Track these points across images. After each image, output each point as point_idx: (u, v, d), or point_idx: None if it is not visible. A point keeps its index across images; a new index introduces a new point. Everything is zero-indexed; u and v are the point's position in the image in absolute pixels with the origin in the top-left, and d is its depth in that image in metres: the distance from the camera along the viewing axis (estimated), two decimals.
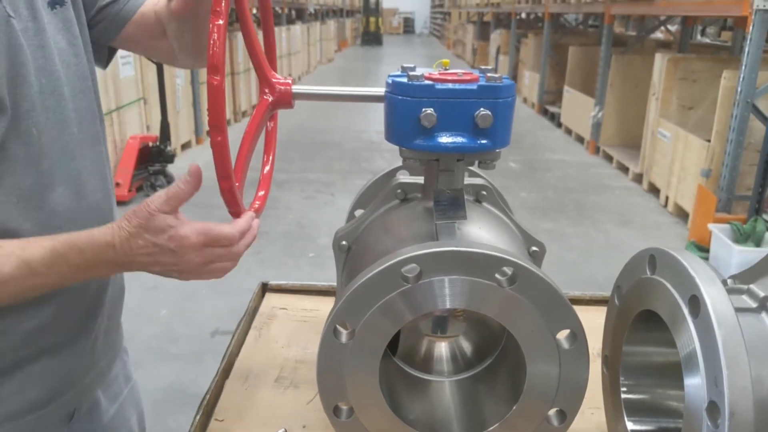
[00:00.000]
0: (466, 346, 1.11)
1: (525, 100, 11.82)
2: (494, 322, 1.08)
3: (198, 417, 1.04)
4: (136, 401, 1.34)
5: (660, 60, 6.35)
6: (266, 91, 1.10)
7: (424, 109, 0.94)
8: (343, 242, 1.15)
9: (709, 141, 5.35)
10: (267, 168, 1.23)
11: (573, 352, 0.89)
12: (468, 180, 1.14)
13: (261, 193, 1.20)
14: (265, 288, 1.54)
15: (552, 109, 10.30)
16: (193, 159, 7.37)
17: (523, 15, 13.92)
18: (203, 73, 8.32)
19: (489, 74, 0.97)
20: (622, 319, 0.97)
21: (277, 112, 1.28)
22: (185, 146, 7.72)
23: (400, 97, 0.96)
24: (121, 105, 6.13)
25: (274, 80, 1.09)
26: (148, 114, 6.80)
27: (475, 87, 0.95)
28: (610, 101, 7.81)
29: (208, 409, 1.09)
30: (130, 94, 6.35)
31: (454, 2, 25.79)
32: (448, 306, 0.87)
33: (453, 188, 1.05)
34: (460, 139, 0.96)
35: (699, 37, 11.61)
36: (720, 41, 10.81)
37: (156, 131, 6.49)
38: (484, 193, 1.13)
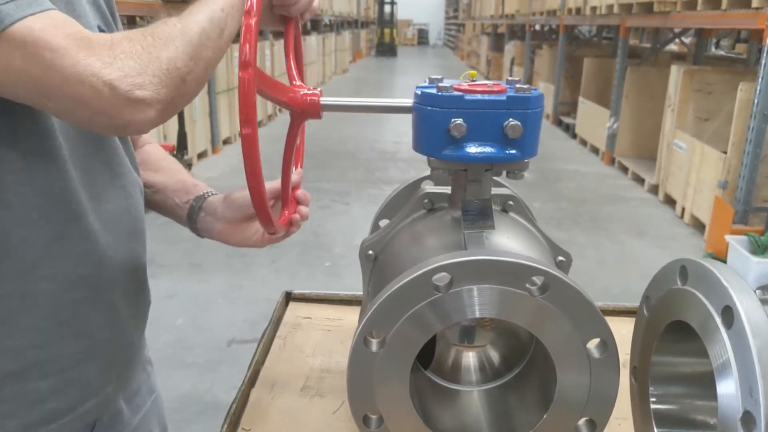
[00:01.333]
0: (494, 355, 1.11)
1: None
2: (521, 331, 1.08)
3: (225, 427, 1.05)
4: (159, 414, 1.34)
5: (676, 72, 6.34)
6: (295, 110, 1.11)
7: (453, 120, 0.95)
8: (370, 252, 1.16)
9: (725, 153, 5.32)
10: (292, 187, 1.24)
11: (604, 361, 0.89)
12: (495, 190, 1.15)
13: (286, 212, 1.21)
14: (288, 297, 1.55)
15: (567, 120, 10.29)
16: (209, 168, 7.43)
17: (538, 27, 13.95)
18: (219, 83, 8.41)
19: (518, 85, 0.98)
20: (651, 330, 0.97)
21: (304, 125, 1.29)
22: (201, 155, 7.78)
23: (429, 108, 0.97)
24: None
25: (302, 91, 1.10)
26: (165, 124, 6.87)
27: (504, 98, 0.96)
28: (626, 112, 7.80)
29: (234, 418, 1.09)
30: None
31: (468, 14, 25.89)
32: (478, 315, 0.87)
33: (481, 198, 1.05)
34: (489, 150, 0.97)
35: (713, 49, 11.58)
36: (734, 53, 10.78)
37: (173, 140, 6.55)
38: (511, 203, 1.14)
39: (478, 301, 0.86)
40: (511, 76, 10.83)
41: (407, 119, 1.05)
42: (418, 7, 38.00)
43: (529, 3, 12.93)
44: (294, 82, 1.14)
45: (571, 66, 10.49)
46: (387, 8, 28.67)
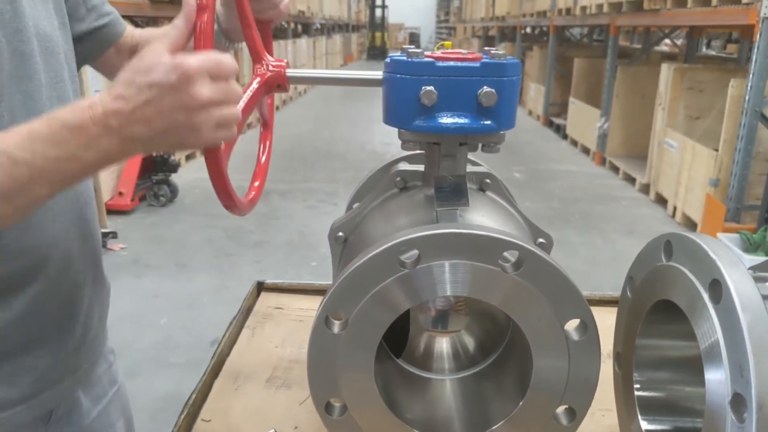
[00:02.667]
0: (469, 341, 1.05)
1: (530, 113, 11.79)
2: (498, 315, 1.01)
3: (183, 417, 0.98)
4: (123, 405, 1.28)
5: (666, 70, 6.30)
6: (259, 70, 1.05)
7: (423, 87, 0.88)
8: (340, 233, 1.10)
9: (716, 150, 5.28)
10: (263, 158, 1.18)
11: (583, 344, 0.82)
12: (471, 168, 1.09)
13: (256, 183, 1.15)
14: (260, 287, 1.48)
15: (557, 120, 10.25)
16: (197, 170, 7.34)
17: (528, 30, 13.93)
18: None
19: (493, 52, 0.92)
20: (635, 312, 0.91)
21: (273, 99, 1.23)
22: (190, 157, 7.69)
23: (399, 76, 0.91)
24: None
25: (268, 60, 1.04)
26: None
27: (478, 65, 0.90)
28: (616, 112, 7.76)
29: (194, 409, 1.03)
30: None
31: (459, 17, 25.88)
32: (448, 293, 0.81)
33: (455, 174, 0.99)
34: (462, 120, 0.90)
35: (704, 49, 11.58)
36: (725, 53, 10.78)
37: None
38: (488, 181, 1.08)
39: (449, 278, 0.80)
40: None
41: None
42: (410, 11, 37.98)
43: (519, 5, 12.91)
44: (263, 60, 1.07)
45: (561, 67, 10.45)
46: (378, 12, 28.63)
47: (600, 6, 7.97)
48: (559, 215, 6.01)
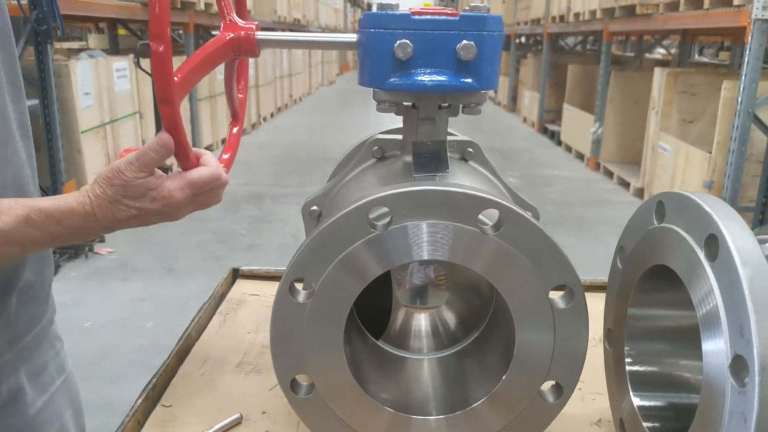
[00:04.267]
0: (449, 318, 0.98)
1: (525, 120, 11.77)
2: (480, 288, 0.95)
3: (140, 401, 0.91)
4: (72, 396, 1.20)
5: (659, 74, 6.27)
6: (226, 30, 0.98)
7: (398, 40, 0.82)
8: (314, 207, 1.03)
9: (710, 153, 5.25)
10: (235, 129, 1.11)
11: (569, 312, 0.76)
12: (452, 138, 1.02)
13: (226, 156, 1.08)
14: (236, 274, 1.42)
15: (552, 127, 10.23)
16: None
17: (523, 39, 13.95)
18: (201, 90, 8.27)
19: (472, 4, 0.86)
20: (627, 283, 0.84)
21: (246, 67, 1.17)
22: None
23: (373, 30, 0.85)
24: (116, 118, 6.05)
25: (236, 21, 0.97)
26: (144, 128, 6.72)
27: (456, 18, 0.84)
28: (610, 117, 7.73)
29: (153, 393, 0.96)
30: (125, 107, 6.27)
31: None
32: (424, 256, 0.74)
33: (434, 140, 0.93)
34: (440, 78, 0.84)
35: (697, 57, 11.60)
36: (718, 60, 10.79)
37: None
38: (471, 150, 1.01)
39: (424, 239, 0.74)
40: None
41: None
42: None
43: (513, 13, 12.93)
44: (228, 17, 1.01)
45: (555, 74, 10.45)
46: None
47: (593, 12, 7.96)
48: (553, 218, 5.96)
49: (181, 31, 7.82)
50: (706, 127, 5.88)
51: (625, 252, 0.86)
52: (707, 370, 0.64)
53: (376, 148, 1.01)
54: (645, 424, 0.78)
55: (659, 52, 11.38)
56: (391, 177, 0.94)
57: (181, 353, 1.08)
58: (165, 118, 0.84)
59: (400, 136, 1.01)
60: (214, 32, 8.04)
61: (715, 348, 0.63)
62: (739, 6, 4.75)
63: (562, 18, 9.43)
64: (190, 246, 5.07)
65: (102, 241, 4.96)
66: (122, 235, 5.42)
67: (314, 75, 16.89)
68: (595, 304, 1.06)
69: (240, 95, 1.13)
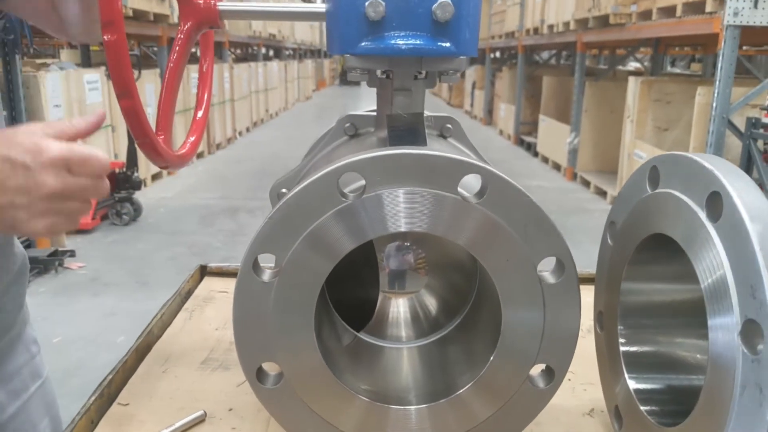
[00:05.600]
0: (430, 302, 0.91)
1: (501, 132, 11.80)
2: (462, 268, 0.89)
3: (93, 399, 0.83)
4: (48, 404, 1.12)
5: (634, 83, 6.32)
6: (186, 11, 0.93)
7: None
8: (283, 190, 0.97)
9: None
10: (200, 113, 1.05)
11: (560, 287, 0.70)
12: (430, 114, 0.97)
13: (192, 138, 1.01)
14: (204, 271, 1.34)
15: (528, 139, 10.26)
16: (164, 189, 7.16)
17: (498, 54, 14.06)
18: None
19: None
20: (619, 260, 0.78)
21: (211, 43, 1.10)
22: (156, 177, 7.48)
23: None
24: None
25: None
26: (116, 142, 6.58)
27: None
28: (586, 127, 7.77)
29: (109, 391, 0.87)
30: None
31: None
32: (401, 228, 0.68)
33: (410, 112, 0.87)
34: (415, 41, 0.78)
35: (669, 68, 11.77)
36: (690, 71, 10.95)
37: (124, 159, 6.27)
38: (450, 126, 0.96)
39: (401, 209, 0.67)
40: (472, 99, 10.78)
41: None
42: None
43: (488, 27, 13.02)
44: None
45: (531, 86, 10.51)
46: None
47: (567, 23, 8.03)
48: None
49: (155, 48, 7.74)
50: (680, 134, 5.92)
51: (616, 227, 0.81)
52: (713, 339, 0.58)
53: (348, 124, 0.95)
54: (643, 408, 0.71)
55: (632, 65, 11.52)
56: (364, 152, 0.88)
57: (141, 351, 1.00)
58: (126, 112, 0.77)
59: (374, 113, 0.95)
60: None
61: (723, 315, 0.57)
62: (711, 13, 4.80)
63: (536, 30, 9.50)
64: (164, 260, 4.95)
65: (72, 255, 4.82)
66: (94, 251, 5.28)
67: (290, 90, 16.83)
68: (582, 297, 1.00)
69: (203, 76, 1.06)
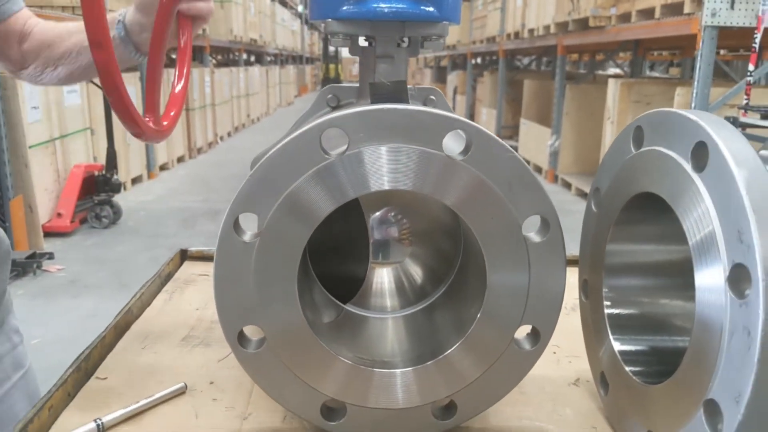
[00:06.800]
0: (415, 271, 0.90)
1: None
2: (446, 234, 0.88)
3: (69, 372, 0.81)
4: (31, 395, 1.11)
5: (614, 84, 6.38)
6: None
7: None
8: None
9: None
10: (179, 86, 1.03)
11: (545, 246, 0.69)
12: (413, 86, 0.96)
13: (171, 113, 1.00)
14: (184, 255, 1.32)
15: (510, 142, 10.33)
16: (144, 192, 7.08)
17: (479, 60, 14.14)
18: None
19: None
20: (603, 225, 0.78)
21: (190, 23, 1.08)
22: (136, 180, 7.41)
23: None
24: (66, 133, 5.84)
25: None
26: (95, 145, 6.50)
27: None
28: (567, 130, 7.83)
29: (87, 365, 0.85)
30: (75, 123, 6.06)
31: None
32: (385, 186, 0.67)
33: (393, 80, 0.86)
34: (399, 5, 0.78)
35: (648, 72, 11.92)
36: (668, 75, 11.10)
37: (103, 161, 6.20)
38: (433, 98, 0.95)
39: (384, 166, 0.66)
40: (454, 104, 10.79)
41: None
42: None
43: (469, 32, 13.10)
44: None
45: (512, 91, 10.58)
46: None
47: (547, 27, 8.09)
48: None
49: None
50: None
51: (600, 193, 0.80)
52: (700, 287, 0.58)
53: (330, 96, 0.94)
54: (628, 368, 0.71)
55: (612, 71, 11.65)
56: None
57: (120, 329, 0.97)
58: (99, 65, 0.75)
59: (357, 84, 0.94)
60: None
61: (710, 263, 0.57)
62: (689, 14, 4.86)
63: (517, 35, 9.56)
64: (144, 261, 4.90)
65: (51, 258, 4.75)
66: (74, 253, 5.21)
67: (272, 95, 16.79)
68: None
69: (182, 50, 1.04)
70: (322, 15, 0.80)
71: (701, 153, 0.59)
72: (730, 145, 0.56)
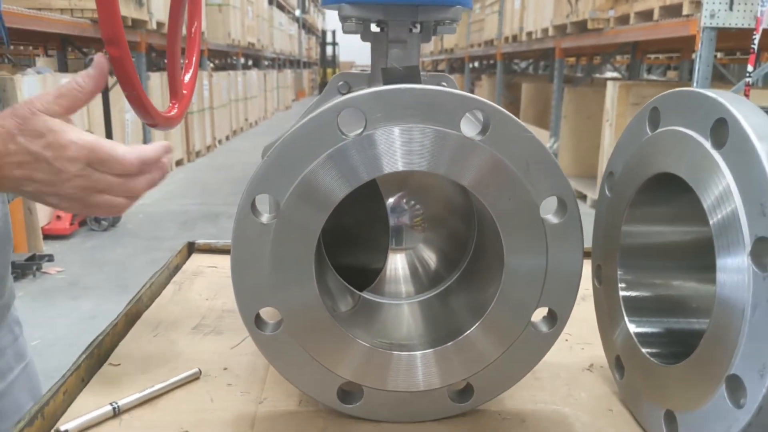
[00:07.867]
0: (429, 256, 0.90)
1: None
2: (461, 218, 0.88)
3: (83, 358, 0.80)
4: (33, 386, 1.10)
5: (612, 87, 6.40)
6: None
7: None
8: None
9: None
10: (188, 76, 1.03)
11: (562, 228, 0.69)
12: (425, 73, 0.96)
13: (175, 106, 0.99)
14: (191, 248, 1.31)
15: None
16: (143, 197, 7.06)
17: (477, 64, 14.18)
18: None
19: None
20: (618, 207, 0.78)
21: (200, 9, 1.09)
22: None
23: None
24: None
25: None
26: None
27: None
28: (565, 133, 7.84)
29: (99, 351, 0.85)
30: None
31: None
32: (400, 167, 0.67)
33: (406, 65, 0.86)
34: None
35: (646, 75, 11.96)
36: (665, 78, 11.14)
37: None
38: (445, 84, 0.95)
39: (400, 147, 0.66)
40: None
41: None
42: (361, 49, 38.52)
43: (467, 36, 13.14)
44: None
45: (510, 94, 10.61)
46: (329, 49, 28.85)
47: (545, 30, 8.12)
48: None
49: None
50: None
51: (614, 177, 0.80)
52: (722, 266, 0.58)
53: (341, 83, 0.94)
54: (644, 350, 0.71)
55: (610, 74, 11.69)
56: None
57: (131, 317, 0.97)
58: (114, 62, 0.75)
59: (369, 72, 0.94)
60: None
61: (731, 238, 0.57)
62: (687, 16, 4.88)
63: (515, 38, 9.59)
64: (144, 263, 4.89)
65: (51, 260, 4.74)
66: (73, 255, 5.20)
67: (270, 100, 16.81)
68: None
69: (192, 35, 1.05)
70: None
71: (721, 130, 0.59)
72: (751, 120, 0.56)
